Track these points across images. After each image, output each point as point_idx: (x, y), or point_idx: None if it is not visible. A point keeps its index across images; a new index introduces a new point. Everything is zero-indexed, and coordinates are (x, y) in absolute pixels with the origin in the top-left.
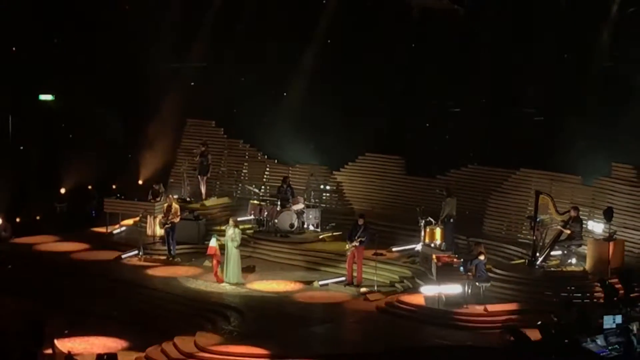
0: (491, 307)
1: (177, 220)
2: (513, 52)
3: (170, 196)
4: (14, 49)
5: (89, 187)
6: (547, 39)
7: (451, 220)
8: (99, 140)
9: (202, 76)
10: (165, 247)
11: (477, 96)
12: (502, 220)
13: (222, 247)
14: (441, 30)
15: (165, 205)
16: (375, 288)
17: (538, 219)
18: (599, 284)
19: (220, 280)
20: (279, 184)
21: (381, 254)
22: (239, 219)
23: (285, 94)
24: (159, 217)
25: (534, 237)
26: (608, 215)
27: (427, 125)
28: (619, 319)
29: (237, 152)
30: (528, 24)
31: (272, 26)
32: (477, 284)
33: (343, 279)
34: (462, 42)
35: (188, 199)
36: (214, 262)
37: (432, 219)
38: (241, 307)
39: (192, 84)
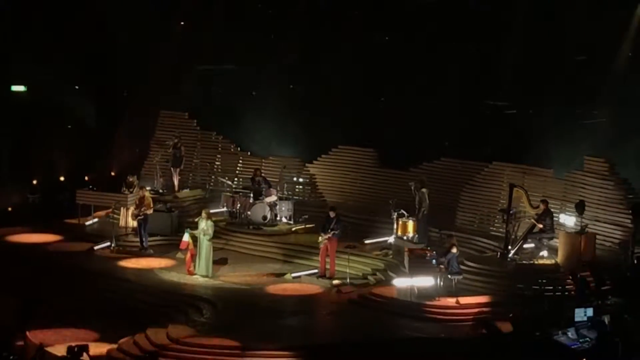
0: (463, 300)
1: (150, 211)
2: (485, 44)
3: (143, 187)
4: None
5: (61, 178)
6: (519, 31)
7: (424, 212)
8: (71, 131)
9: (179, 68)
10: (138, 239)
11: (450, 89)
12: (474, 213)
13: (196, 240)
14: (414, 21)
15: (138, 196)
16: (348, 280)
17: (511, 211)
18: (570, 277)
19: (191, 273)
20: (252, 176)
21: (353, 247)
22: (211, 211)
23: (254, 93)
24: (132, 208)
25: (507, 230)
26: (580, 208)
27: (401, 117)
28: (590, 311)
29: (210, 144)
30: (500, 15)
31: (245, 17)
32: (449, 276)
33: (316, 271)
34: (434, 34)
35: (161, 191)
36: (188, 255)
37: (404, 212)
38: (214, 299)
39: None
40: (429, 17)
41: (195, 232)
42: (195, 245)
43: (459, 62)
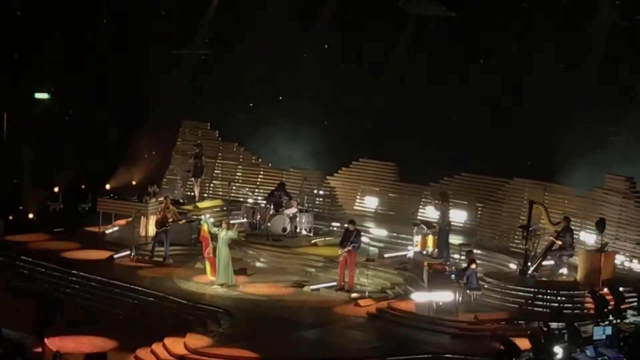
0: (482, 316)
1: (182, 221)
2: (509, 61)
3: (167, 197)
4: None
5: (82, 186)
6: (546, 48)
7: (446, 227)
8: (94, 139)
9: (199, 77)
10: (159, 248)
11: (473, 104)
12: (494, 229)
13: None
14: (437, 37)
15: (162, 206)
16: (367, 294)
17: (531, 228)
18: (589, 295)
19: (212, 262)
20: (274, 189)
21: (372, 260)
22: (232, 221)
23: (281, 97)
24: (154, 217)
25: (526, 247)
26: (600, 226)
27: (423, 132)
28: (609, 330)
29: (232, 155)
30: (527, 31)
31: (269, 30)
32: (468, 292)
33: (334, 284)
34: (457, 50)
35: (181, 201)
36: (208, 251)
37: (424, 226)
38: (232, 310)
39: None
40: (451, 32)
41: (209, 222)
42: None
43: (480, 77)
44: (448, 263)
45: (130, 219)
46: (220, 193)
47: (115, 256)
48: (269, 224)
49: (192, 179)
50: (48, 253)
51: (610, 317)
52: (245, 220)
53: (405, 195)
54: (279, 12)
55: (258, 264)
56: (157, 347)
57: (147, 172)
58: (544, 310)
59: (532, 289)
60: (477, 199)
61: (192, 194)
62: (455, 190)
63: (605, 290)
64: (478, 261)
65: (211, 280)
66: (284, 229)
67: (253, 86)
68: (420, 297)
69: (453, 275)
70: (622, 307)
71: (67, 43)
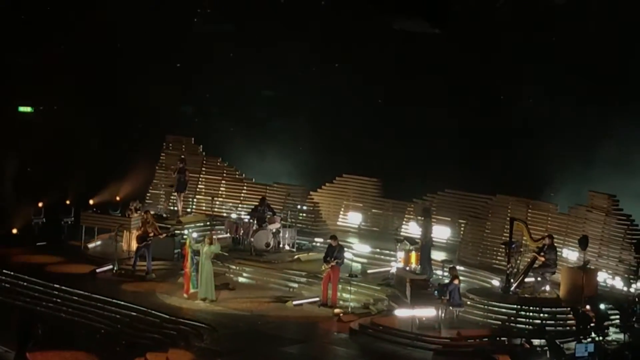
0: (464, 332)
1: (163, 236)
2: (494, 76)
3: (148, 211)
4: None
5: (67, 201)
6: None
7: (428, 242)
8: (77, 154)
9: (184, 93)
10: (141, 263)
11: (455, 120)
12: (477, 246)
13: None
14: (421, 54)
15: (142, 220)
16: (350, 309)
17: (513, 245)
18: (571, 312)
19: (188, 292)
20: (257, 203)
21: (355, 276)
22: (214, 236)
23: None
24: (136, 232)
25: (509, 264)
26: (583, 243)
27: (407, 148)
28: (591, 347)
29: (215, 170)
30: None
31: (256, 49)
32: (450, 308)
33: (317, 299)
34: (441, 65)
35: (164, 215)
36: (185, 273)
37: (407, 242)
38: (214, 325)
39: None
40: (435, 49)
41: (188, 240)
42: (196, 270)
43: (463, 95)
44: (431, 279)
45: (112, 233)
46: (204, 208)
47: (98, 270)
48: (252, 239)
49: (175, 193)
50: (30, 267)
51: (593, 334)
52: (228, 235)
53: (389, 211)
54: (268, 28)
55: (241, 279)
56: None
57: (132, 187)
58: (526, 327)
59: (515, 306)
60: (460, 216)
61: (175, 208)
62: (438, 206)
63: (588, 307)
64: (461, 277)
65: (184, 298)
66: (267, 244)
67: (239, 102)
68: (403, 313)
69: (436, 292)
70: (605, 324)
71: (52, 57)
